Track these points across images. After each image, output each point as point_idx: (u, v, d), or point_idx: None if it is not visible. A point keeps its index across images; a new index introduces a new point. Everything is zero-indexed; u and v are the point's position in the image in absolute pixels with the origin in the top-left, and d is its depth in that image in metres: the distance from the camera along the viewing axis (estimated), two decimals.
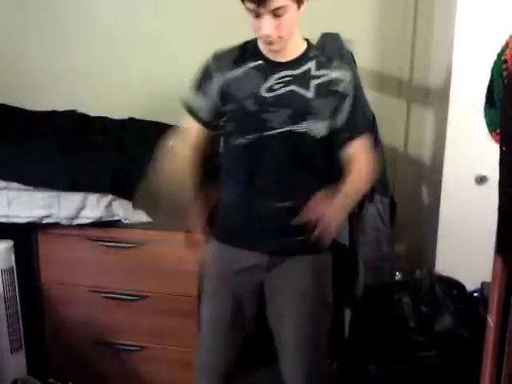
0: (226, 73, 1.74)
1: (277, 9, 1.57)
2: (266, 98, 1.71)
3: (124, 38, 2.87)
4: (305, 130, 1.72)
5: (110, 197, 2.25)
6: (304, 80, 1.72)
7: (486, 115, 1.52)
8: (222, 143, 1.89)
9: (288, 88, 1.71)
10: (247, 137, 1.73)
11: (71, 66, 2.91)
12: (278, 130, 1.71)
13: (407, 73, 2.75)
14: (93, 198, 2.25)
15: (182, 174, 1.77)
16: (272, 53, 1.72)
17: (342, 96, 1.73)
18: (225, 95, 1.75)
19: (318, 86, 1.72)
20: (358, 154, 1.77)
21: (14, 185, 2.27)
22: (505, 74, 1.36)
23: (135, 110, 2.81)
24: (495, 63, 1.42)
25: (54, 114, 2.81)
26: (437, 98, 2.62)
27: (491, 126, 1.49)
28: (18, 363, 2.39)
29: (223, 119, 1.82)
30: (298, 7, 1.62)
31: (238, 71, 1.74)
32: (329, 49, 2.23)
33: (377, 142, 2.22)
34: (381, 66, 2.73)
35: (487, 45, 1.63)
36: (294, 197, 1.73)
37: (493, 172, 1.30)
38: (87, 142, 2.45)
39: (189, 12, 2.81)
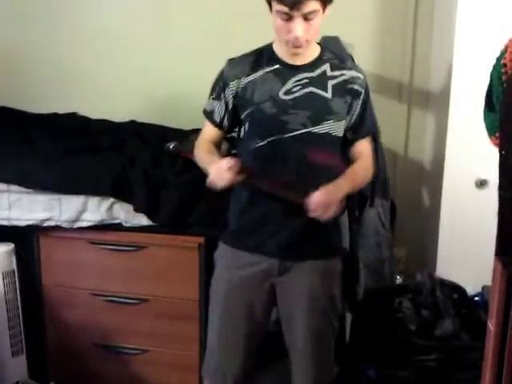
0: (241, 78, 1.77)
1: (309, 13, 1.60)
2: (285, 100, 1.73)
3: (125, 41, 2.87)
4: (326, 130, 1.75)
5: (110, 200, 2.25)
6: (321, 81, 1.75)
7: (486, 119, 1.52)
8: (238, 146, 1.91)
9: (306, 90, 1.74)
10: (267, 139, 1.75)
11: (72, 69, 2.91)
12: (298, 132, 1.73)
13: (407, 76, 2.76)
14: (94, 201, 2.25)
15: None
16: (290, 56, 1.74)
17: (356, 94, 1.78)
18: (241, 100, 1.78)
19: (335, 86, 1.76)
20: (361, 154, 1.82)
21: (15, 188, 2.26)
22: (504, 77, 1.37)
23: (136, 112, 2.82)
24: (494, 67, 1.42)
25: (54, 116, 2.82)
26: (437, 101, 2.62)
27: (490, 130, 1.49)
28: (18, 366, 2.39)
29: (239, 124, 1.84)
30: (323, 11, 1.65)
31: (255, 76, 1.76)
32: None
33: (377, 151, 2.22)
34: (381, 70, 2.74)
35: (488, 48, 1.63)
36: None
37: (493, 176, 1.30)
38: (88, 144, 2.45)
39: (190, 14, 2.81)
